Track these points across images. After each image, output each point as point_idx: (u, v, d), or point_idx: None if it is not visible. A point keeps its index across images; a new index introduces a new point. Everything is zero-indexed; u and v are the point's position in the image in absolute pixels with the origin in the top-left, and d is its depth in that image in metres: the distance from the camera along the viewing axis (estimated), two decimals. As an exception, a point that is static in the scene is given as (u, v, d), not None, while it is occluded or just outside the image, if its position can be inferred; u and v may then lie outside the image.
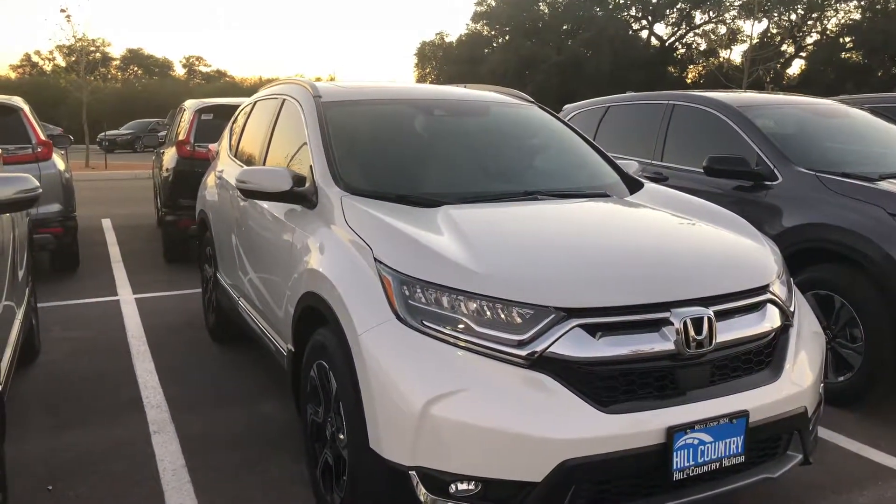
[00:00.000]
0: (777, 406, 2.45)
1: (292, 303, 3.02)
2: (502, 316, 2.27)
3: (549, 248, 2.60)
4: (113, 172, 20.14)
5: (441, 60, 49.02)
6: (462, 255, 2.43)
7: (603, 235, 2.85)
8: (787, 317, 2.65)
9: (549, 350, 2.21)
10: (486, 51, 46.58)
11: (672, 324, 2.31)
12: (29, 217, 4.71)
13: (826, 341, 2.94)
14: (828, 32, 39.52)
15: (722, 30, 42.12)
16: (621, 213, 3.19)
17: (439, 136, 3.77)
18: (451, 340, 2.26)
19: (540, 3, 45.72)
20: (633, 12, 45.17)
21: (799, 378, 2.56)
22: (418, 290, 2.35)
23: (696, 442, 2.28)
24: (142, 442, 3.46)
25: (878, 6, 35.81)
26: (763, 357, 2.54)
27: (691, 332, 2.31)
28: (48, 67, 48.56)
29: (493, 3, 46.70)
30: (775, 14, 39.49)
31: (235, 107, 5.64)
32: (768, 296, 2.61)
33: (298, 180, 3.14)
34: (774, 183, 4.34)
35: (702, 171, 4.61)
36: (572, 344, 2.23)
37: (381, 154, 3.52)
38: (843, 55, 38.85)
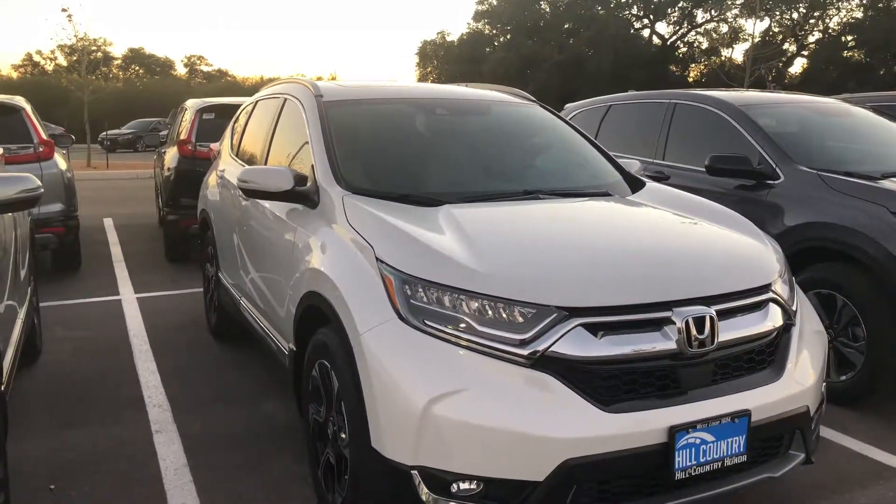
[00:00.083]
0: (779, 405, 2.45)
1: (294, 302, 3.02)
2: (504, 315, 2.27)
3: (550, 248, 2.60)
4: (114, 172, 20.16)
5: (442, 60, 49.00)
6: (464, 254, 2.43)
7: (605, 235, 2.85)
8: (789, 316, 2.65)
9: (550, 349, 2.21)
10: (488, 50, 46.57)
11: (674, 323, 2.31)
12: (31, 217, 4.72)
13: (828, 340, 2.93)
14: (830, 31, 39.48)
15: (724, 28, 42.12)
16: (623, 213, 3.19)
17: (441, 136, 3.77)
18: (453, 340, 2.26)
19: (541, 2, 45.72)
20: (634, 11, 45.13)
21: (801, 377, 2.56)
22: (420, 290, 2.35)
23: (697, 441, 2.27)
24: (143, 441, 3.47)
25: (881, 4, 35.75)
26: (765, 356, 2.54)
27: (693, 332, 2.31)
28: (50, 67, 48.68)
29: (495, 2, 46.67)
30: (777, 13, 39.42)
31: (237, 106, 5.64)
32: (770, 295, 2.60)
33: (300, 180, 3.14)
34: (776, 182, 4.33)
35: (704, 170, 4.60)
36: (574, 343, 2.22)
37: (383, 153, 3.52)
38: (844, 54, 38.80)
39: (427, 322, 2.30)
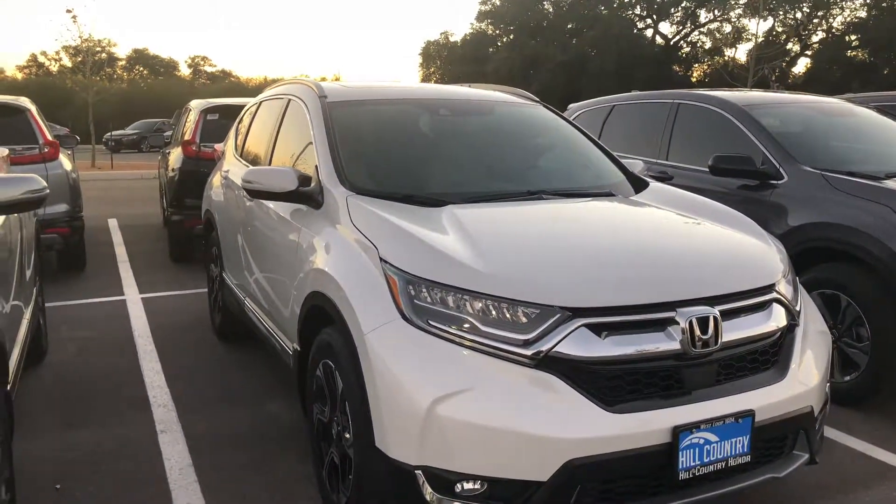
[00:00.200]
0: (783, 405, 2.45)
1: (298, 302, 3.02)
2: (508, 315, 2.27)
3: (554, 248, 2.60)
4: (119, 172, 20.21)
5: (445, 60, 49.03)
6: (467, 254, 2.44)
7: (608, 235, 2.85)
8: (792, 316, 2.65)
9: (554, 350, 2.22)
10: (491, 50, 46.56)
11: (678, 323, 2.31)
12: (36, 217, 4.74)
13: (832, 340, 2.93)
14: (833, 31, 39.39)
15: (727, 28, 42.04)
16: (626, 213, 3.19)
17: (444, 136, 3.78)
18: (457, 340, 2.26)
19: (544, 2, 45.71)
20: (637, 11, 45.11)
21: (805, 377, 2.56)
22: (424, 290, 2.36)
23: (701, 441, 2.28)
24: (148, 441, 3.48)
25: (885, 4, 35.63)
26: (769, 356, 2.54)
27: (697, 332, 2.31)
28: (54, 68, 48.76)
29: (498, 3, 46.69)
30: (780, 12, 39.36)
31: (241, 107, 5.66)
32: (774, 295, 2.60)
33: (304, 180, 3.15)
34: (780, 182, 4.33)
35: (707, 170, 4.60)
36: (578, 343, 2.23)
37: (387, 154, 3.53)
38: (848, 53, 38.68)
39: (431, 322, 2.30)
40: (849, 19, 38.66)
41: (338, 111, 3.51)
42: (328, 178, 3.12)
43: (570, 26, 44.70)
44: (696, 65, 45.45)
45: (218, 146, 5.79)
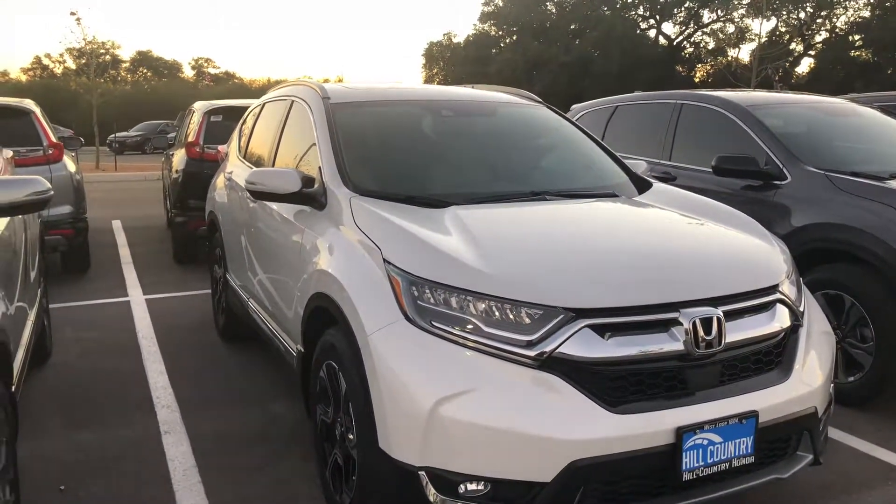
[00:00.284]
0: (787, 406, 2.45)
1: (302, 303, 3.03)
2: (511, 316, 2.28)
3: (557, 249, 2.60)
4: (123, 174, 20.26)
5: (448, 61, 48.99)
6: (470, 255, 2.44)
7: (611, 236, 2.85)
8: (796, 317, 2.64)
9: (557, 350, 2.22)
10: (494, 51, 46.53)
11: (681, 324, 2.31)
12: (40, 219, 4.75)
13: (836, 341, 2.92)
14: (837, 30, 39.27)
15: (730, 28, 41.98)
16: (630, 214, 3.19)
17: (447, 137, 3.78)
18: (460, 341, 2.26)
19: (547, 3, 45.66)
20: (640, 11, 45.03)
21: (809, 378, 2.55)
22: (427, 291, 2.36)
23: (705, 442, 2.27)
24: (152, 442, 3.49)
25: (888, 4, 35.51)
26: (773, 357, 2.53)
27: (700, 333, 2.31)
28: (59, 70, 48.84)
29: (501, 4, 46.65)
30: (784, 12, 39.26)
31: (244, 108, 5.66)
32: (778, 296, 2.60)
33: (307, 181, 3.15)
34: (783, 182, 4.32)
35: (710, 170, 4.60)
36: (581, 344, 2.23)
37: (390, 155, 3.53)
38: (852, 53, 38.58)
39: (434, 323, 2.31)
40: (852, 19, 38.58)
41: (341, 112, 3.51)
42: (331, 180, 3.12)
43: (573, 27, 44.64)
44: (700, 65, 45.38)
45: (221, 148, 5.81)
